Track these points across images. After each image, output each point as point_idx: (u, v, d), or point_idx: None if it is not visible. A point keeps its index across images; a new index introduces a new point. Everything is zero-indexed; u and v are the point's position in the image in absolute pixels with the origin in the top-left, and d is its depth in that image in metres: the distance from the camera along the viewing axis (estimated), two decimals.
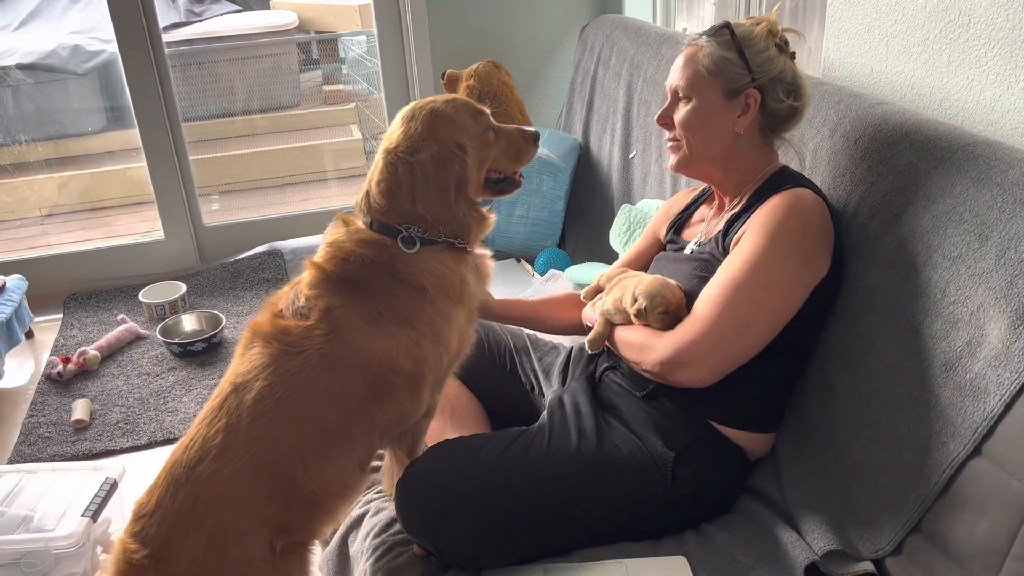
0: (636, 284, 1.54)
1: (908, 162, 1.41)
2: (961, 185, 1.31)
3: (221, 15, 5.00)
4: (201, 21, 4.87)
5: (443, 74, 3.28)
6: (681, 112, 1.52)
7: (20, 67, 4.25)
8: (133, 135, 4.65)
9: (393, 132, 1.42)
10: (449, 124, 1.41)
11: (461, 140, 1.41)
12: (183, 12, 4.85)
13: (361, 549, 1.51)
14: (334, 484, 1.34)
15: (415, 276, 1.38)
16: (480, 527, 1.32)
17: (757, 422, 1.51)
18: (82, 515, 1.97)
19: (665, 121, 1.56)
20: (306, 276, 1.40)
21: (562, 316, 1.79)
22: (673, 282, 1.52)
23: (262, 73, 4.87)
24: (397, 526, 1.48)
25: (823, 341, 1.51)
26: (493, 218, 1.51)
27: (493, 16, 3.39)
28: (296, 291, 1.39)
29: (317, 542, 1.39)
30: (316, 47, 5.34)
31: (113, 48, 4.47)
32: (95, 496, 2.03)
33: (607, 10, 3.37)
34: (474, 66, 3.21)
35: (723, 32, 1.49)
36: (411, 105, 1.44)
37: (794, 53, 1.52)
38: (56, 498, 2.06)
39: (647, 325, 1.51)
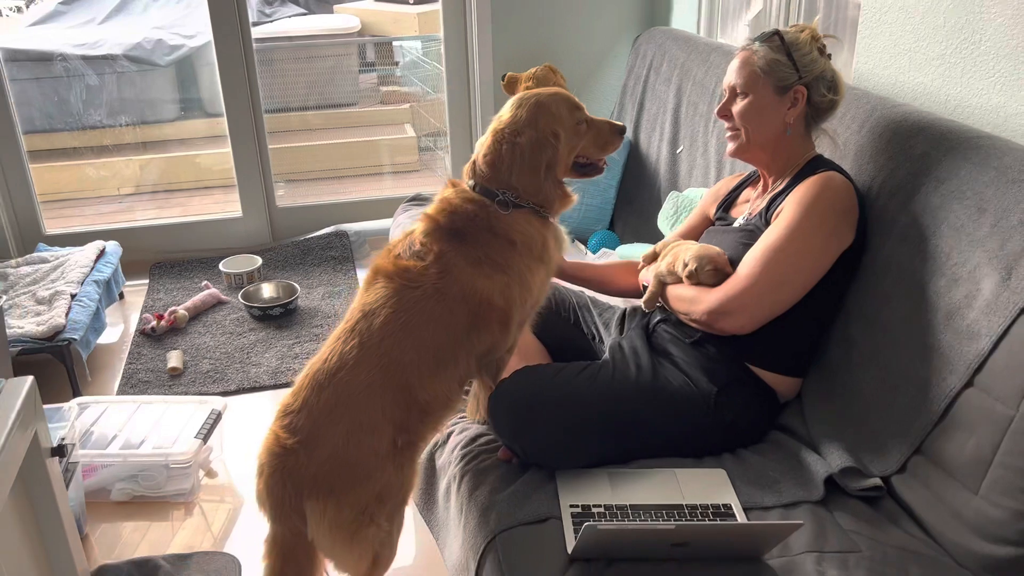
0: (685, 251, 1.83)
1: (923, 152, 1.69)
2: (965, 169, 1.59)
3: (289, 17, 5.36)
4: (272, 21, 5.23)
5: (503, 76, 3.59)
6: (739, 105, 1.80)
7: (106, 58, 4.62)
8: (202, 124, 5.04)
9: (503, 115, 1.71)
10: (548, 115, 1.69)
11: (556, 129, 1.69)
12: (255, 12, 5.22)
13: (449, 460, 1.80)
14: (441, 395, 1.63)
15: (507, 232, 1.67)
16: (556, 432, 1.61)
17: (787, 367, 1.78)
18: (195, 437, 2.28)
19: (725, 113, 1.84)
20: (420, 226, 1.69)
21: (624, 280, 2.08)
22: (716, 248, 1.81)
23: (325, 72, 5.22)
24: (482, 440, 1.78)
25: (846, 302, 1.78)
26: (575, 197, 1.79)
27: (551, 25, 3.70)
28: (411, 239, 1.68)
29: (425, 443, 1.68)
30: (374, 50, 5.68)
31: (192, 43, 4.85)
32: (204, 423, 2.34)
33: (655, 23, 3.67)
34: (532, 70, 3.51)
35: (774, 38, 1.78)
36: (521, 94, 1.73)
37: (831, 55, 1.81)
38: (169, 425, 2.37)
39: (698, 284, 1.79)
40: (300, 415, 1.55)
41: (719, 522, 1.48)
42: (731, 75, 1.84)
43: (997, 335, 1.44)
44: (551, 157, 1.69)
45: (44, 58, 4.43)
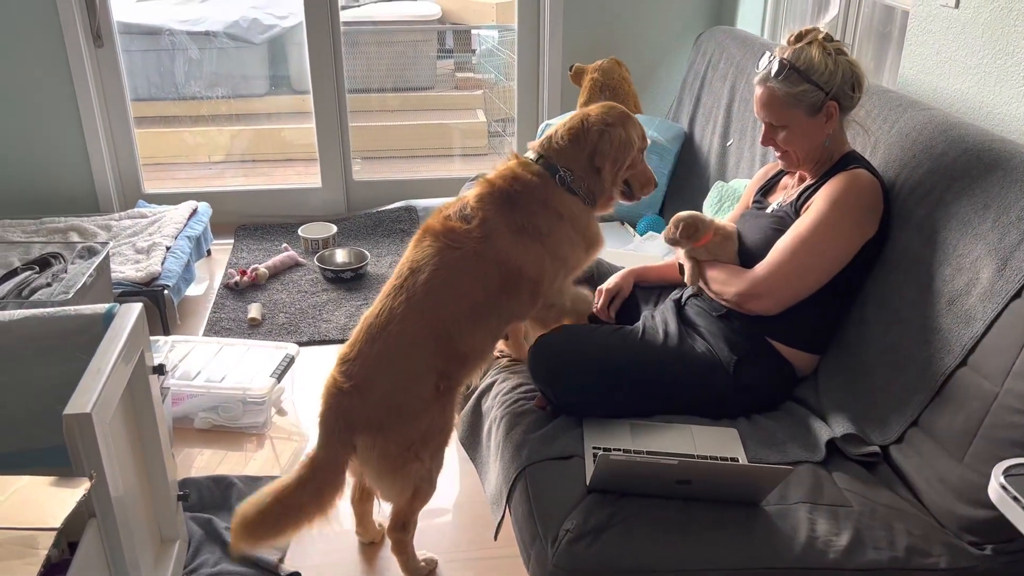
0: None
1: (942, 151, 1.83)
2: (977, 169, 1.72)
3: (374, 2, 5.65)
4: (359, 6, 5.53)
5: (571, 67, 3.78)
6: (781, 136, 1.91)
7: (207, 34, 4.98)
8: (288, 100, 5.35)
9: (591, 110, 1.89)
10: (634, 126, 1.91)
11: (635, 140, 1.90)
12: None
13: (492, 404, 2.02)
14: (476, 348, 1.84)
15: (558, 206, 1.87)
16: (587, 381, 1.81)
17: (806, 343, 1.94)
18: (270, 376, 2.55)
19: (769, 143, 1.96)
20: (476, 189, 1.88)
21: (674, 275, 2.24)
22: (732, 225, 2.01)
23: (404, 56, 5.49)
24: (521, 389, 1.99)
25: (864, 287, 1.93)
26: (613, 208, 2.03)
27: (619, 19, 3.88)
28: (464, 202, 1.89)
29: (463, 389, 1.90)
30: (452, 37, 5.93)
31: (284, 23, 5.17)
32: (279, 365, 2.61)
33: (721, 23, 3.81)
34: (599, 62, 3.70)
35: (790, 73, 1.85)
36: (607, 106, 1.92)
37: (842, 51, 1.87)
38: (248, 365, 2.64)
39: (675, 240, 2.00)
40: (355, 363, 1.78)
41: (716, 461, 1.66)
42: (762, 113, 1.93)
43: (990, 319, 1.59)
44: (628, 158, 1.89)
45: (153, 32, 4.80)
